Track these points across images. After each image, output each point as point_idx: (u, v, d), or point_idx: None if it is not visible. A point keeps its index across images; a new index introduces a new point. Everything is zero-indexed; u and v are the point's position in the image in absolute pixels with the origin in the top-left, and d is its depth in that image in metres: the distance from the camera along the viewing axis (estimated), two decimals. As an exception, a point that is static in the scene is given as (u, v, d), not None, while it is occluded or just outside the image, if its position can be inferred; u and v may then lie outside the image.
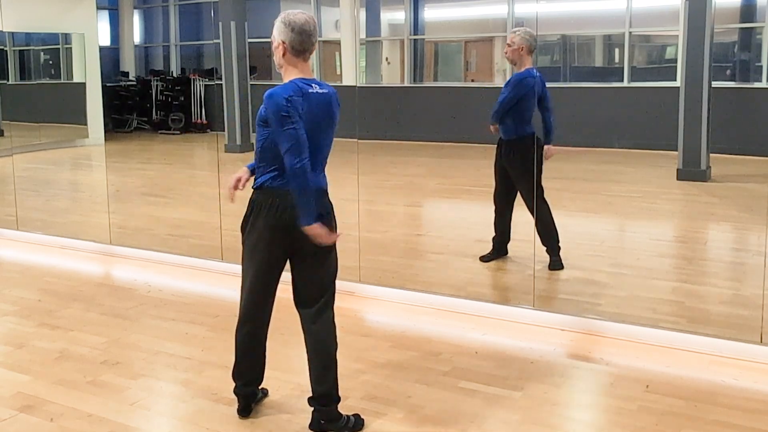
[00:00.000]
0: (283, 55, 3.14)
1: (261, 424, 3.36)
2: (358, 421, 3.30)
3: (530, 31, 5.45)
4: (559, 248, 5.52)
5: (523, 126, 5.47)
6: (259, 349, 3.38)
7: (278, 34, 3.13)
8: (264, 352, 3.40)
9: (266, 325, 3.37)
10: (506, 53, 5.51)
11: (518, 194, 5.60)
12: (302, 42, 3.12)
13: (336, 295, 3.35)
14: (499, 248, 5.80)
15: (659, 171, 9.95)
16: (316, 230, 3.09)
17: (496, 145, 5.66)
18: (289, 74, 3.15)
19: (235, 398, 3.44)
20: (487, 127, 5.62)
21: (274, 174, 3.14)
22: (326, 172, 3.28)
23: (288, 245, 3.19)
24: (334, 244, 3.26)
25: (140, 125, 16.33)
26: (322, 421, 3.23)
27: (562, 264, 5.50)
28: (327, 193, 3.26)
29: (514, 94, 5.43)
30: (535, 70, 5.45)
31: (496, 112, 5.52)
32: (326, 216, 3.20)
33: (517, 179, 5.52)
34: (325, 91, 3.16)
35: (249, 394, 3.43)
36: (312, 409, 3.28)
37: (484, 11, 15.12)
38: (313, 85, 3.13)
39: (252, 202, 3.20)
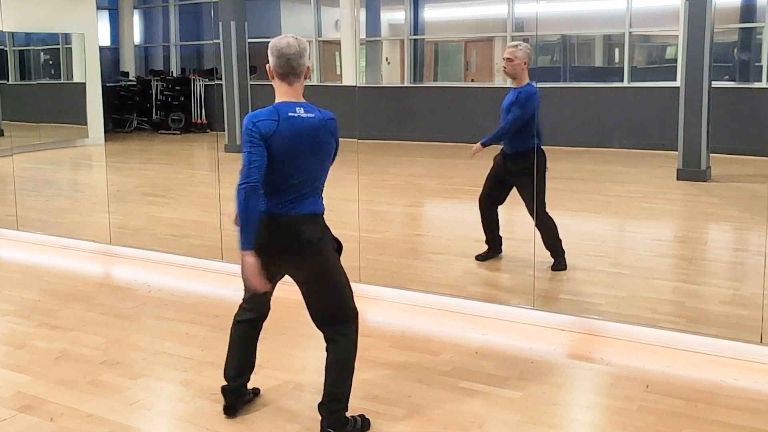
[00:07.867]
0: (273, 78, 3.14)
1: (260, 423, 3.36)
2: (364, 422, 3.31)
3: (528, 44, 5.43)
4: (563, 252, 5.51)
5: (531, 139, 5.35)
6: (248, 343, 3.40)
7: (269, 58, 3.14)
8: (253, 346, 3.41)
9: (258, 321, 3.40)
10: (506, 68, 5.38)
11: (505, 201, 5.61)
12: (281, 66, 3.08)
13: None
14: (494, 248, 5.81)
15: (659, 171, 9.95)
16: (245, 258, 2.99)
17: (496, 155, 5.61)
18: (277, 97, 3.13)
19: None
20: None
21: (264, 198, 3.11)
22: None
23: (276, 267, 3.17)
24: (332, 266, 3.19)
25: (140, 125, 16.33)
26: (330, 429, 3.22)
27: (565, 265, 5.50)
28: (316, 220, 3.13)
29: (525, 113, 5.31)
30: (534, 84, 5.39)
31: (505, 132, 5.38)
32: (314, 242, 3.09)
33: (525, 191, 5.38)
34: (311, 115, 3.06)
35: (233, 390, 3.42)
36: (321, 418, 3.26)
37: (484, 11, 15.12)
38: (297, 109, 3.06)
39: None
